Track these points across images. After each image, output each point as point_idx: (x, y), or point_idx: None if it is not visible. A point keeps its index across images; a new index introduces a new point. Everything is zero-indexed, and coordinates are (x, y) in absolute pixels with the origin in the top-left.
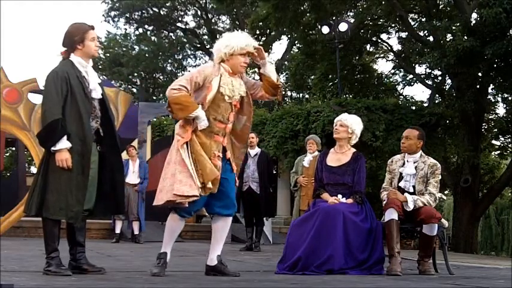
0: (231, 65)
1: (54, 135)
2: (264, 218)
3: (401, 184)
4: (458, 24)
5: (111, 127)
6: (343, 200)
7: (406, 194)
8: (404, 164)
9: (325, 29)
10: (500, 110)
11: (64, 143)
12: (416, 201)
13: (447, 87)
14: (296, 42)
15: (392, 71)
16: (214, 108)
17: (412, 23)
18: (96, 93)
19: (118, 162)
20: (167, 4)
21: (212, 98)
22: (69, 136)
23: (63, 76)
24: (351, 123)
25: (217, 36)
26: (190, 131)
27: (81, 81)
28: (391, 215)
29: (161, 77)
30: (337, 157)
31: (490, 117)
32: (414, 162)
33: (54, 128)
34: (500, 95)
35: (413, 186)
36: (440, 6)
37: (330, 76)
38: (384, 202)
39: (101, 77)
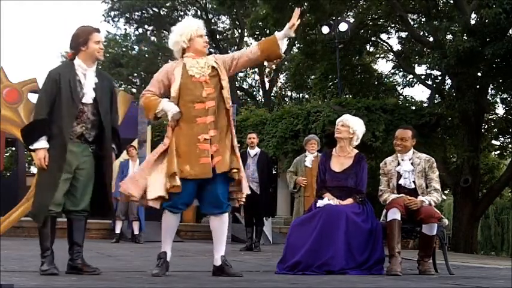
0: (193, 49)
1: (32, 134)
2: (264, 218)
3: (401, 182)
4: (458, 24)
5: (104, 131)
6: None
7: (419, 197)
8: (399, 163)
9: (325, 29)
10: (500, 110)
11: (41, 143)
12: (430, 202)
13: (447, 87)
14: (296, 42)
15: (392, 71)
16: (186, 93)
17: (412, 23)
18: (87, 98)
19: (108, 165)
20: (167, 4)
21: (179, 86)
22: (51, 137)
23: (54, 78)
24: (352, 124)
25: (218, 36)
26: (171, 130)
27: (71, 85)
28: (394, 215)
29: None
30: (340, 161)
31: (490, 117)
32: (409, 159)
33: (34, 128)
34: (499, 96)
35: (414, 182)
36: (440, 6)
37: (330, 76)
38: (387, 202)
39: None
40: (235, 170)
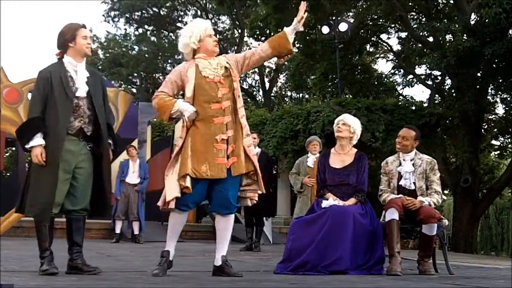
0: (204, 50)
1: (27, 132)
2: (264, 218)
3: (402, 183)
4: (457, 24)
5: (99, 127)
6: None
7: (419, 197)
8: (401, 163)
9: (325, 29)
10: (500, 110)
11: (36, 140)
12: (429, 203)
13: (447, 87)
14: (296, 42)
15: (392, 71)
16: (201, 93)
17: (412, 23)
18: (80, 92)
19: (106, 163)
20: (167, 4)
21: (193, 87)
22: (47, 134)
23: (46, 76)
24: (352, 123)
25: (218, 36)
26: (185, 130)
27: (63, 81)
28: (392, 214)
29: (161, 77)
30: (341, 158)
31: (490, 117)
32: (411, 160)
33: (28, 126)
34: (499, 96)
35: (414, 183)
36: (440, 6)
37: (330, 76)
38: (386, 202)
39: None
40: (252, 172)
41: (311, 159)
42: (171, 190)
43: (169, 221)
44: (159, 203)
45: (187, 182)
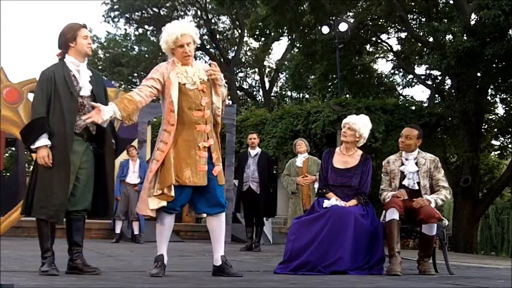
0: (177, 57)
1: (32, 133)
2: (264, 218)
3: (405, 182)
4: (458, 25)
5: (101, 125)
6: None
7: (425, 196)
8: (403, 163)
9: (325, 29)
10: (500, 110)
11: (42, 141)
12: (436, 200)
13: (447, 87)
14: (296, 42)
15: (392, 71)
16: (185, 99)
17: (412, 23)
18: (84, 91)
19: (110, 163)
20: (167, 4)
21: (177, 90)
22: (52, 134)
23: (49, 76)
24: (359, 128)
25: (217, 37)
26: (168, 135)
27: (67, 80)
28: (392, 214)
29: None
30: (345, 159)
31: (490, 117)
32: (414, 159)
33: (33, 126)
34: (499, 96)
35: (418, 183)
36: (440, 6)
37: (330, 76)
38: (386, 202)
39: None
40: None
41: (299, 159)
42: (145, 205)
43: (157, 224)
44: (140, 210)
45: (172, 192)
